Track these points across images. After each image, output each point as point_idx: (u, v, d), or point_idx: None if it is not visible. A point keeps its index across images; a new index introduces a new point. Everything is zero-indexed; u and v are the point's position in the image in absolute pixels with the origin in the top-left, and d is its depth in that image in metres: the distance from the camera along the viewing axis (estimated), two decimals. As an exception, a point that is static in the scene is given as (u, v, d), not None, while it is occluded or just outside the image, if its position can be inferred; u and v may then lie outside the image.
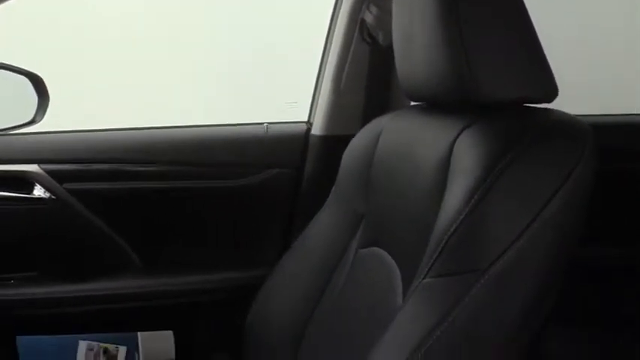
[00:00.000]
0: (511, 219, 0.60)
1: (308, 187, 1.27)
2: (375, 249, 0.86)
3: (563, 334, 1.26)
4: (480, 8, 0.70)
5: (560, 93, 0.72)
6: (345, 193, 1.01)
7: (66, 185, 1.19)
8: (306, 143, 1.28)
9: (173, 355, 1.26)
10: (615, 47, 1.67)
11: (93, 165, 1.21)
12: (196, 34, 1.69)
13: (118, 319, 1.24)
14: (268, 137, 1.28)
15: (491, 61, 0.70)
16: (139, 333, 1.23)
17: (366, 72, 1.26)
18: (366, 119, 1.12)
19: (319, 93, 1.30)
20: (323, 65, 1.31)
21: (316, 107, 1.30)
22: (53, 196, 1.20)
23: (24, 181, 1.19)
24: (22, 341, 1.19)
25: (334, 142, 1.21)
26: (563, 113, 0.70)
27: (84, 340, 1.22)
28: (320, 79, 1.31)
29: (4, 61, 1.14)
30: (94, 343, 1.22)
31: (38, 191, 1.20)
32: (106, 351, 1.22)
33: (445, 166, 0.69)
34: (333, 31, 1.27)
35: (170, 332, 1.25)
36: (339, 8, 1.26)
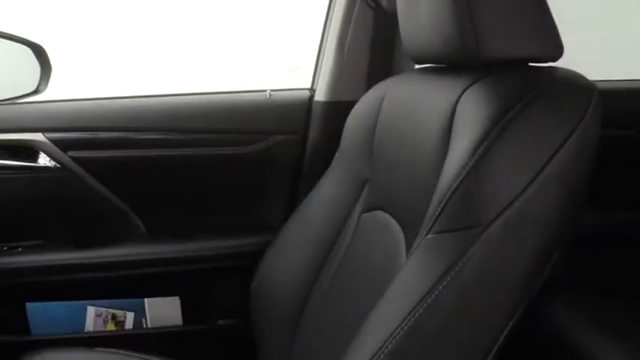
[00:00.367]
0: (515, 174, 0.60)
1: (311, 153, 1.27)
2: (379, 212, 0.87)
3: (565, 299, 1.27)
4: None
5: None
6: (349, 158, 1.01)
7: (70, 153, 1.20)
8: (310, 110, 1.27)
9: (180, 320, 1.28)
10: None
11: (97, 133, 1.21)
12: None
13: (125, 286, 1.26)
14: (271, 104, 1.27)
15: (495, 20, 0.69)
16: (145, 299, 1.25)
17: (369, 37, 1.25)
18: (369, 85, 1.11)
19: (322, 59, 1.29)
20: (326, 31, 1.29)
21: (319, 73, 1.29)
22: (58, 165, 1.20)
23: (29, 150, 1.20)
24: (32, 307, 1.22)
25: (338, 108, 1.20)
26: (568, 70, 0.69)
27: (92, 306, 1.24)
28: (323, 45, 1.30)
29: (5, 31, 1.14)
30: (102, 309, 1.24)
31: (43, 160, 1.21)
32: (114, 316, 1.24)
33: (448, 124, 0.68)
34: (337, -5, 1.26)
35: (176, 298, 1.26)
36: (342, -28, 1.24)
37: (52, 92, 1.21)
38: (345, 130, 1.06)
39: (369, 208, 0.92)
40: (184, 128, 1.24)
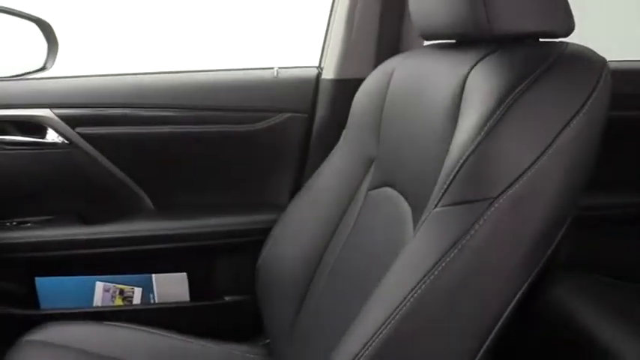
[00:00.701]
0: (524, 146, 0.60)
1: (319, 131, 1.27)
2: (386, 189, 0.87)
3: (570, 281, 1.27)
4: None
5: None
6: (356, 136, 1.01)
7: (78, 129, 1.20)
8: (317, 87, 1.27)
9: (187, 296, 1.29)
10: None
11: (105, 109, 1.21)
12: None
13: (133, 262, 1.27)
14: (279, 82, 1.27)
15: None
16: (153, 275, 1.26)
17: (377, 14, 1.23)
18: (378, 62, 1.11)
19: (330, 36, 1.28)
20: (334, 8, 1.28)
21: (327, 51, 1.28)
22: (66, 141, 1.21)
23: (37, 126, 1.20)
24: (41, 282, 1.23)
25: (345, 86, 1.20)
26: (579, 45, 0.69)
27: (100, 281, 1.25)
28: (331, 22, 1.29)
29: (11, 7, 1.14)
30: (110, 284, 1.25)
31: (51, 136, 1.21)
32: (122, 292, 1.26)
33: (458, 99, 0.68)
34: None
35: (184, 274, 1.28)
36: (351, -53, 1.23)
37: (60, 69, 1.22)
38: (352, 107, 1.05)
39: (376, 185, 0.92)
40: (192, 105, 1.24)
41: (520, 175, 0.59)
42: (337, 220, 1.00)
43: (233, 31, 1.69)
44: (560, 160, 0.61)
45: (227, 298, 1.30)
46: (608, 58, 0.67)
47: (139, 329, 1.09)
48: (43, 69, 1.20)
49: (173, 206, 1.30)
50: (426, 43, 0.97)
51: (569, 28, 0.70)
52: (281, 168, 1.30)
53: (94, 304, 1.25)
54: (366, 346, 0.62)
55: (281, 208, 1.20)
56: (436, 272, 0.60)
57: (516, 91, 0.61)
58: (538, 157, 0.60)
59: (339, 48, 1.25)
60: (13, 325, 1.14)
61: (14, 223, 1.24)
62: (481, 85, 0.65)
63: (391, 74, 0.94)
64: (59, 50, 1.19)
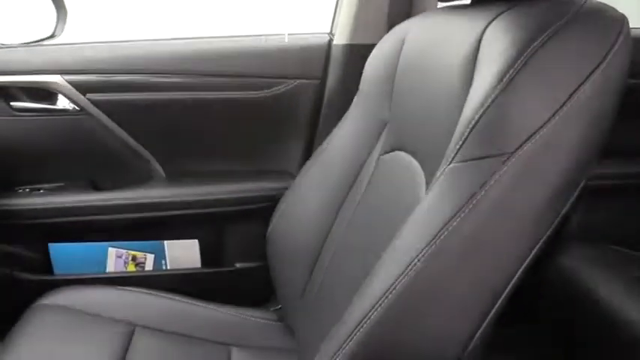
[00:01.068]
0: (542, 101, 0.59)
1: (330, 97, 1.25)
2: (398, 153, 0.86)
3: (581, 249, 1.27)
4: None
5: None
6: (368, 101, 1.00)
7: (89, 96, 1.20)
8: (329, 53, 1.25)
9: (199, 263, 1.30)
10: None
11: (115, 76, 1.21)
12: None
13: (145, 228, 1.27)
14: (290, 48, 1.25)
15: None
16: (165, 241, 1.27)
17: (390, -23, 1.21)
18: (390, 27, 1.09)
19: (342, 2, 1.26)
20: (345, -27, 1.26)
21: (339, 17, 1.26)
22: (77, 107, 1.21)
23: (47, 92, 1.20)
24: (54, 248, 1.24)
25: (357, 51, 1.18)
26: (598, 2, 0.67)
27: (113, 247, 1.26)
28: (342, -13, 1.27)
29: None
30: (123, 251, 1.26)
31: (62, 102, 1.21)
32: (134, 258, 1.27)
33: (473, 58, 0.67)
34: None
35: (195, 241, 1.28)
36: None
37: (69, 36, 1.21)
38: (364, 72, 1.04)
39: (388, 150, 0.91)
40: (202, 72, 1.23)
41: (537, 131, 0.58)
42: (348, 186, 0.99)
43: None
44: (578, 116, 0.59)
45: (238, 265, 1.31)
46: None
47: (152, 294, 1.10)
48: (52, 37, 1.20)
49: (184, 173, 1.30)
50: (440, 5, 0.96)
51: None
52: (292, 135, 1.30)
53: (107, 271, 1.27)
54: (379, 303, 0.62)
55: (292, 175, 1.20)
56: (450, 228, 0.59)
57: (533, 45, 0.60)
58: (555, 113, 0.58)
59: (351, 13, 1.23)
60: (28, 290, 1.16)
61: (27, 190, 1.25)
62: (497, 41, 0.64)
63: (404, 38, 0.92)
64: (68, 17, 1.19)
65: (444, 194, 0.61)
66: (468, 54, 0.68)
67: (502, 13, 0.68)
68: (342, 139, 1.04)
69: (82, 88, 1.19)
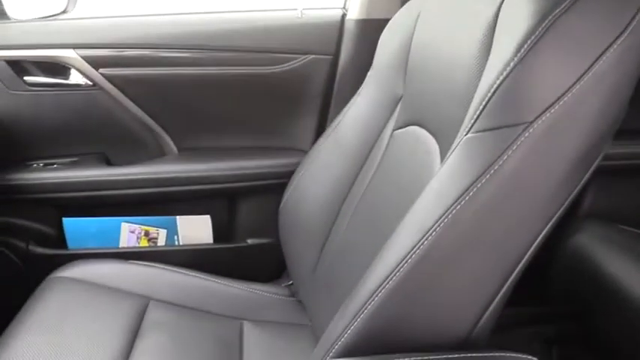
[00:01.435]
0: (562, 70, 0.57)
1: (343, 73, 1.24)
2: (412, 128, 0.85)
3: (594, 228, 1.26)
4: None
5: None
6: (382, 76, 0.99)
7: (102, 71, 1.20)
8: (342, 29, 1.24)
9: (211, 238, 1.30)
10: None
11: (128, 51, 1.20)
12: None
13: (158, 204, 1.28)
14: (303, 23, 1.24)
15: None
16: (177, 217, 1.27)
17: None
18: (404, 1, 1.08)
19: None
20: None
21: (353, -9, 1.25)
22: (89, 82, 1.21)
23: (61, 67, 1.20)
24: (68, 222, 1.25)
25: (371, 26, 1.17)
26: None
27: (126, 222, 1.27)
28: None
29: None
30: (135, 226, 1.27)
31: (75, 77, 1.21)
32: (147, 233, 1.27)
33: (491, 27, 0.65)
34: None
35: (207, 217, 1.29)
36: None
37: (82, 10, 1.21)
38: (378, 46, 1.03)
39: (402, 125, 0.90)
40: (215, 47, 1.22)
41: (557, 100, 0.57)
42: (361, 161, 0.99)
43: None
44: (599, 86, 0.58)
45: (250, 241, 1.31)
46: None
47: (165, 268, 1.11)
48: (64, 11, 1.20)
49: (196, 149, 1.31)
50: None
51: None
52: (305, 110, 1.29)
53: (120, 246, 1.27)
54: (391, 276, 0.62)
55: (304, 151, 1.19)
56: (466, 199, 0.59)
57: (555, 13, 0.58)
58: (576, 82, 0.57)
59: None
60: (42, 264, 1.17)
61: (41, 165, 1.26)
62: (517, 8, 0.62)
63: (418, 11, 0.90)
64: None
65: (459, 165, 0.60)
66: (487, 24, 0.67)
67: None
68: (355, 114, 1.03)
69: (95, 62, 1.19)
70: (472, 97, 0.63)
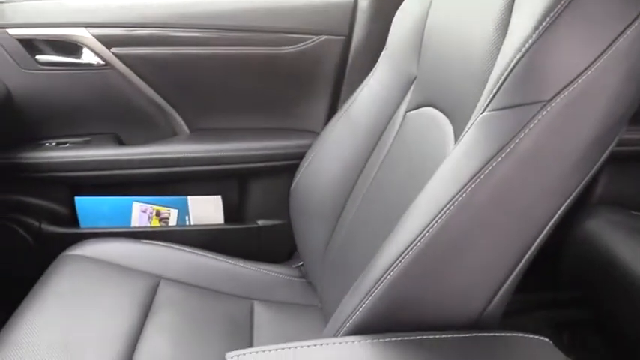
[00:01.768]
0: (580, 48, 0.56)
1: (356, 54, 1.23)
2: (426, 108, 0.84)
3: (606, 213, 1.25)
4: None
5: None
6: (396, 56, 0.98)
7: (114, 50, 1.20)
8: (355, 9, 1.23)
9: (222, 219, 1.31)
10: None
11: (140, 30, 1.20)
12: None
13: (169, 184, 1.28)
14: (315, 3, 1.23)
15: None
16: (188, 197, 1.28)
17: None
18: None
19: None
20: None
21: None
22: (102, 61, 1.21)
23: (73, 46, 1.20)
24: (80, 201, 1.26)
25: (384, 6, 1.15)
26: None
27: (137, 202, 1.27)
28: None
29: None
30: (147, 206, 1.27)
31: (87, 56, 1.21)
32: (158, 213, 1.28)
33: (509, 5, 0.64)
34: None
35: (218, 197, 1.29)
36: None
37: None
38: (392, 27, 1.02)
39: (415, 106, 0.89)
40: (227, 27, 1.21)
41: (575, 78, 0.56)
42: (373, 143, 0.98)
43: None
44: (617, 65, 0.57)
45: (260, 222, 1.32)
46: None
47: (176, 248, 1.11)
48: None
49: (208, 130, 1.30)
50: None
51: None
52: (316, 92, 1.28)
53: (132, 225, 1.28)
54: (403, 255, 0.61)
55: (316, 133, 1.19)
56: (482, 176, 0.58)
57: None
58: (594, 60, 0.56)
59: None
60: (55, 242, 1.18)
61: (53, 144, 1.26)
62: None
63: None
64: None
65: (475, 144, 0.60)
66: (504, 4, 0.65)
67: None
68: (368, 95, 1.02)
69: (107, 41, 1.19)
70: (488, 76, 0.62)
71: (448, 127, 0.75)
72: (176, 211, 1.28)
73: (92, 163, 1.22)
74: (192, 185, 1.29)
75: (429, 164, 0.70)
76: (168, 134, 1.30)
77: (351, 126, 1.02)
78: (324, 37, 1.23)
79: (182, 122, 1.30)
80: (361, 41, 1.22)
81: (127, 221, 1.27)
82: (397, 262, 0.62)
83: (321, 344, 0.63)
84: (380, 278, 0.63)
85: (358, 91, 1.05)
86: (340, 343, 0.63)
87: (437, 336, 0.64)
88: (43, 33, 1.19)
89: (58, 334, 0.86)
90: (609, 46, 0.56)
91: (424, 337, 0.63)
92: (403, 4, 1.00)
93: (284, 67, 1.25)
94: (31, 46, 1.19)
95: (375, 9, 1.20)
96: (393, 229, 0.67)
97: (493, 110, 0.59)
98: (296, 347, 0.61)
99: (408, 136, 0.89)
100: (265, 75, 1.26)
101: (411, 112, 0.90)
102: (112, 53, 1.20)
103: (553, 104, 0.57)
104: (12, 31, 1.17)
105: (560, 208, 0.63)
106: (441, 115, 0.79)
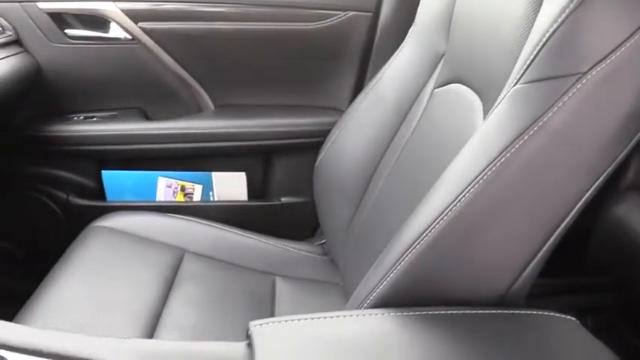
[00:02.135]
0: (619, 20, 0.54)
1: (383, 30, 1.22)
2: (454, 85, 0.83)
3: (633, 198, 1.23)
4: None
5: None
6: (424, 33, 0.97)
7: (141, 24, 1.20)
8: (384, -16, 1.21)
9: (245, 195, 1.31)
10: None
11: (166, 4, 1.20)
12: None
13: (194, 159, 1.29)
14: None
15: None
16: (213, 173, 1.28)
17: None
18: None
19: None
20: None
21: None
22: (129, 36, 1.21)
23: (101, 20, 1.20)
24: (107, 175, 1.27)
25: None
26: None
27: (163, 177, 1.28)
28: None
29: None
30: (172, 180, 1.28)
31: (114, 31, 1.22)
32: (183, 188, 1.29)
33: None
34: None
35: (243, 174, 1.29)
36: None
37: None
38: (421, 3, 1.00)
39: (443, 82, 0.88)
40: (254, 2, 1.21)
41: (613, 51, 0.54)
42: (399, 120, 0.97)
43: None
44: None
45: (284, 199, 1.32)
46: None
47: (200, 222, 1.12)
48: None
49: (233, 106, 1.30)
50: None
51: None
52: (343, 69, 1.27)
53: (157, 199, 1.29)
54: (428, 230, 0.60)
55: (341, 110, 1.18)
56: (512, 150, 0.57)
57: None
58: (634, 33, 0.54)
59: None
60: (82, 214, 1.20)
61: (81, 118, 1.27)
62: None
63: None
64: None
65: (506, 117, 0.58)
66: None
67: None
68: (395, 72, 1.01)
69: (135, 16, 1.19)
70: (521, 50, 0.61)
71: (477, 104, 0.73)
72: (200, 186, 1.29)
73: (119, 137, 1.23)
74: (216, 161, 1.30)
75: (457, 141, 0.68)
76: (194, 110, 1.30)
77: (377, 103, 1.01)
78: (352, 12, 1.21)
79: (207, 98, 1.30)
80: (389, 17, 1.21)
81: (153, 195, 1.29)
82: (422, 236, 0.61)
83: (344, 316, 0.63)
84: (404, 252, 0.62)
85: (385, 68, 1.04)
86: (364, 315, 0.62)
87: (465, 311, 0.63)
88: (72, 7, 1.19)
89: (85, 305, 0.87)
90: None
91: (452, 312, 0.63)
92: (433, -20, 0.98)
93: (310, 43, 1.24)
94: (60, 19, 1.20)
95: (404, -16, 1.18)
96: (418, 205, 0.66)
97: (526, 83, 0.58)
98: (319, 318, 0.61)
99: (435, 113, 0.87)
100: (291, 51, 1.25)
101: (439, 88, 0.89)
102: (140, 28, 1.20)
103: (589, 76, 0.55)
104: (42, 5, 1.18)
105: (590, 188, 0.61)
106: (469, 91, 0.77)
